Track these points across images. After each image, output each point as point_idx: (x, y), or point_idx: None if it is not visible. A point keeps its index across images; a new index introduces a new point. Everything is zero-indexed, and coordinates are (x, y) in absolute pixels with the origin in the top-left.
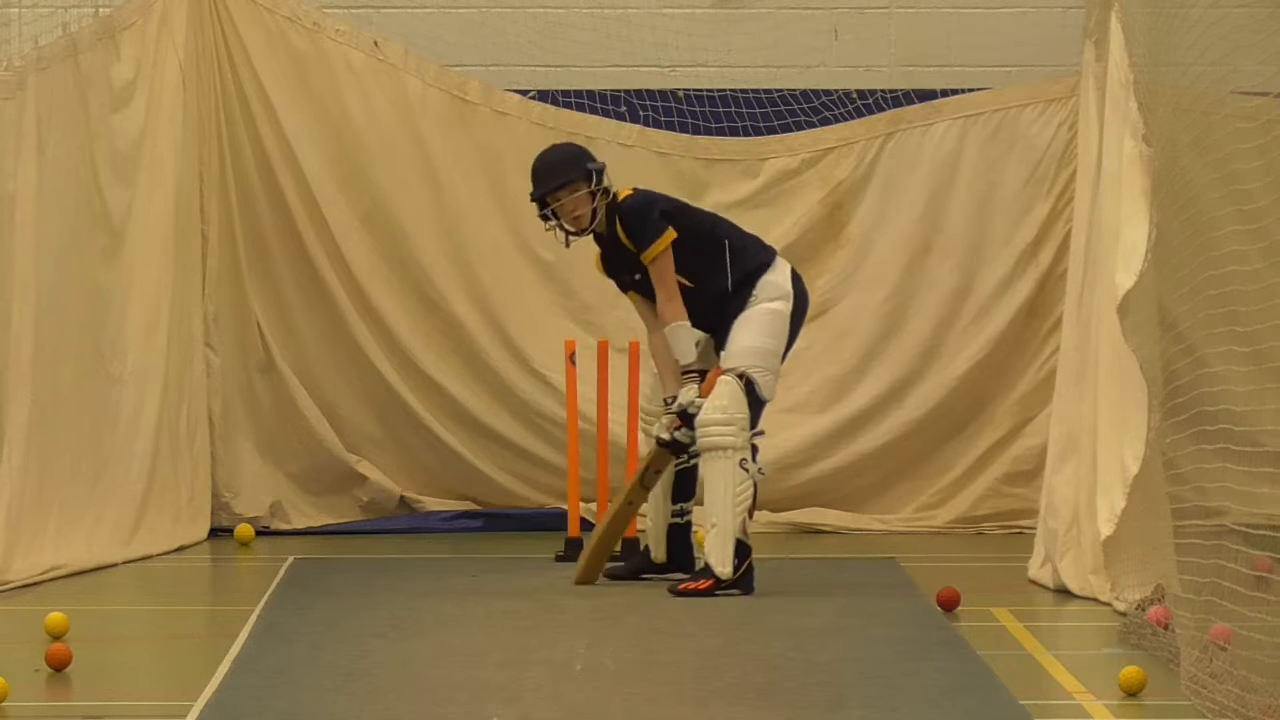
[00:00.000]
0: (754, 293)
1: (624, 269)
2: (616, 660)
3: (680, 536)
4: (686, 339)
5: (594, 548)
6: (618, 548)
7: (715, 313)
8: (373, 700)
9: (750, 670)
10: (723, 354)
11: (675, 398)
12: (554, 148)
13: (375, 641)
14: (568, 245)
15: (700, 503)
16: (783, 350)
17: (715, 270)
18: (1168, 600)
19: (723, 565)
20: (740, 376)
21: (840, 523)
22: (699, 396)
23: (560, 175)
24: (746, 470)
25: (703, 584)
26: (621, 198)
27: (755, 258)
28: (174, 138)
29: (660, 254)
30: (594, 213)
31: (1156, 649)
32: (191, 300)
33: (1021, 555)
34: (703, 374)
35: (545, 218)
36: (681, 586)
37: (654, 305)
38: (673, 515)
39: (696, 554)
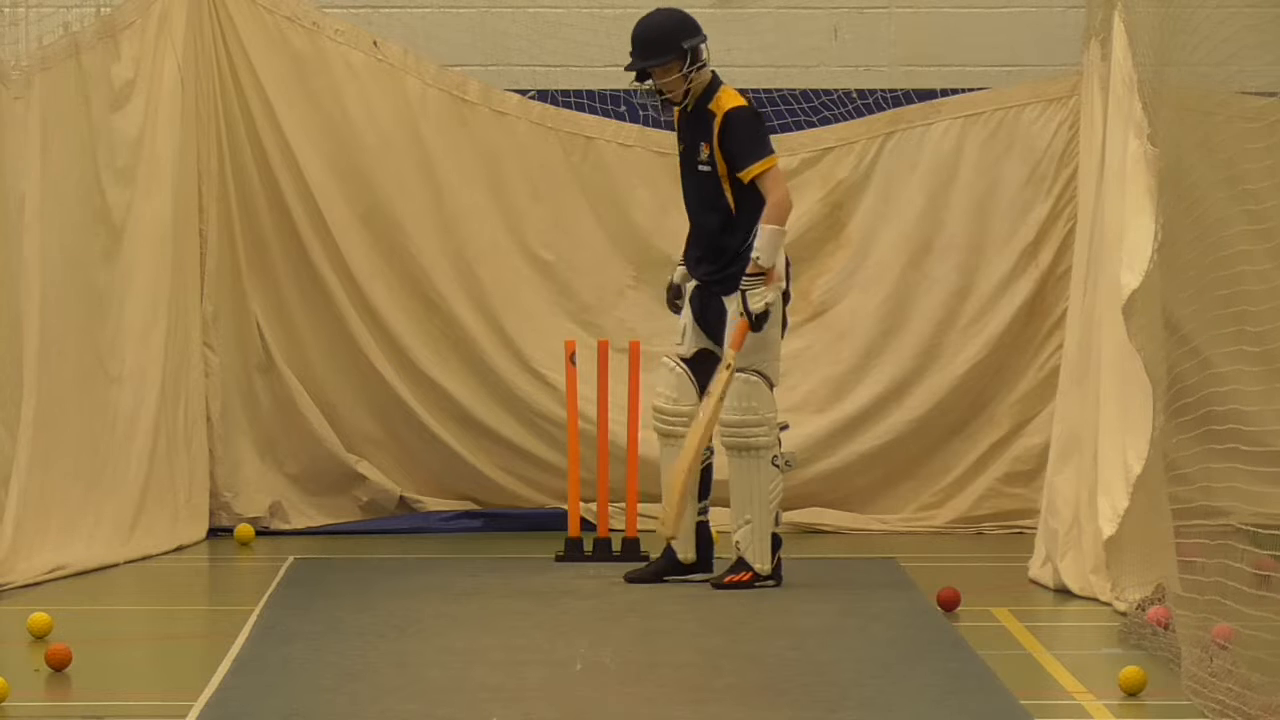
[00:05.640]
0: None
1: (693, 142)
2: (616, 660)
3: (705, 535)
4: (777, 242)
5: (681, 492)
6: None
7: (718, 261)
8: (373, 700)
9: (750, 670)
10: (727, 349)
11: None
12: (657, 14)
13: (375, 641)
14: (660, 114)
15: (715, 502)
16: (781, 333)
17: (746, 224)
18: (1168, 600)
19: (762, 562)
20: (756, 372)
21: (840, 523)
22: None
23: (655, 54)
24: (777, 466)
25: (744, 576)
26: (733, 104)
27: None
28: (173, 138)
29: (765, 171)
30: (686, 91)
31: (1156, 649)
32: (190, 300)
33: (1021, 555)
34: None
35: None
36: (726, 580)
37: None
38: (699, 514)
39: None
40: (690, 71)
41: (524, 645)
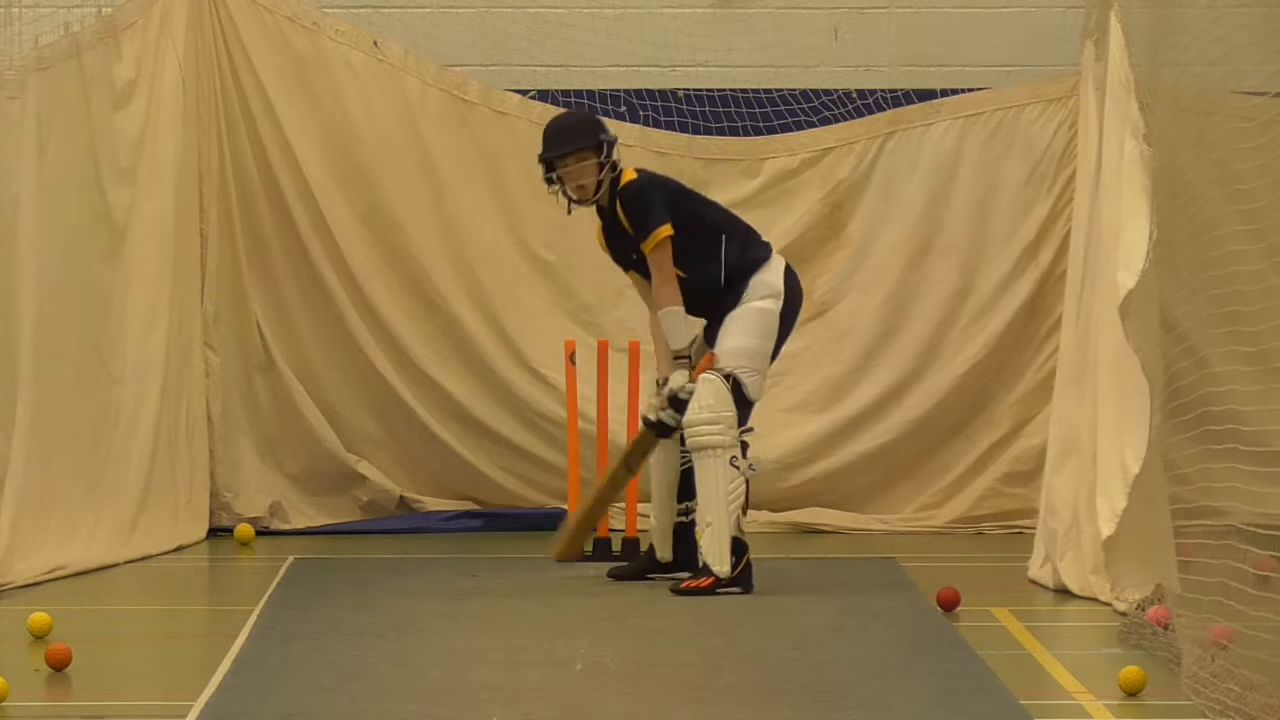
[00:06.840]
0: (746, 290)
1: (624, 247)
2: (616, 660)
3: (684, 535)
4: (679, 324)
5: (576, 527)
6: (608, 546)
7: (708, 304)
8: (373, 700)
9: (750, 670)
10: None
11: (667, 379)
12: (568, 114)
13: (375, 641)
14: (569, 212)
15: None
16: (771, 349)
17: (709, 261)
18: (1167, 600)
19: (720, 564)
20: (727, 377)
21: (840, 523)
22: (689, 382)
23: (570, 142)
24: (737, 468)
25: (704, 582)
26: (625, 180)
27: (751, 253)
28: (174, 137)
29: (657, 244)
30: (598, 185)
31: (1156, 649)
32: (191, 300)
33: (1021, 555)
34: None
35: (550, 181)
36: (684, 585)
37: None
38: (678, 515)
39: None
40: (606, 164)
41: (524, 645)
